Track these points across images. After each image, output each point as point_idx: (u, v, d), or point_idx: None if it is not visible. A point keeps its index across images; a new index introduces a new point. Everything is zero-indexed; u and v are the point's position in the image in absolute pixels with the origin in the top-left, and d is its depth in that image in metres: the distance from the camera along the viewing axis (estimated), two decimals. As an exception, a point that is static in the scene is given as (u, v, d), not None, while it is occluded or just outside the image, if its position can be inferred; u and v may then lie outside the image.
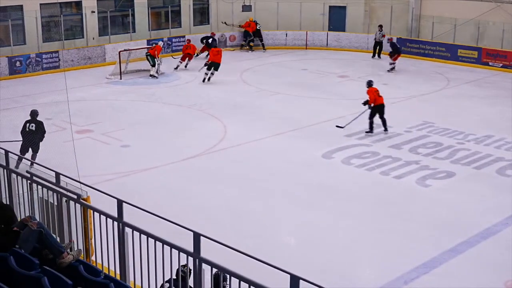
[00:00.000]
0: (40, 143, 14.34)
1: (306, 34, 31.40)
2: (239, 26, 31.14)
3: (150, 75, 24.55)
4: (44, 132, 14.41)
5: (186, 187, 13.79)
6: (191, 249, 5.77)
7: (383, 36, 28.82)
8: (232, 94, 22.16)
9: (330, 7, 31.87)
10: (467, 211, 12.81)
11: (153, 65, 24.53)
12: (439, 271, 10.35)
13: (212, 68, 23.60)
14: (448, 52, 28.13)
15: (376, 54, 28.90)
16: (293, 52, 30.46)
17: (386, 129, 17.72)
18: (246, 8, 30.73)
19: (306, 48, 31.30)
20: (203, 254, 5.72)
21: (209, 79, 23.62)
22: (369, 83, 18.29)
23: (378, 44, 28.96)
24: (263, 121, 18.91)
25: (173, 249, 5.96)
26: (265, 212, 12.71)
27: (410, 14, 30.41)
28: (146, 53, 25.02)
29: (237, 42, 31.08)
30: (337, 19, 31.98)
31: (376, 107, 17.77)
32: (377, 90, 18.07)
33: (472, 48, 27.61)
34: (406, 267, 10.39)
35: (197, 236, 5.71)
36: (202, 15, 31.95)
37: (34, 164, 9.47)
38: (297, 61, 28.39)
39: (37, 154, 14.16)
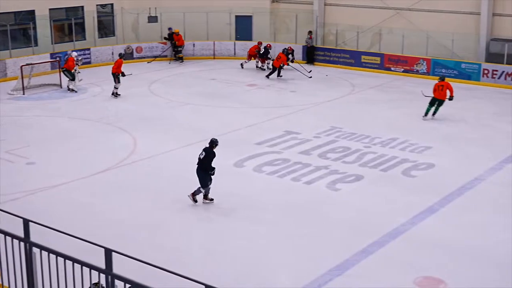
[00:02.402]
0: None
1: (214, 44, 31.47)
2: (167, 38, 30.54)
3: (69, 89, 23.86)
4: None
5: (96, 203, 13.49)
6: (103, 265, 5.65)
7: (310, 38, 29.72)
8: (141, 106, 21.90)
9: (236, 16, 32.10)
10: (376, 212, 13.18)
11: (72, 79, 23.85)
12: (351, 273, 10.59)
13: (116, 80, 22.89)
14: (352, 59, 28.92)
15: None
16: (201, 62, 30.45)
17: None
18: (152, 19, 30.46)
19: (214, 58, 31.37)
20: (117, 270, 5.61)
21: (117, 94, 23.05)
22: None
23: (309, 50, 29.58)
24: (173, 133, 18.79)
25: (84, 267, 5.81)
26: (179, 224, 12.62)
27: (315, 22, 31.07)
28: (62, 68, 24.29)
29: (144, 54, 30.68)
30: (243, 28, 32.26)
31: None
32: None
33: (375, 54, 28.50)
34: (320, 271, 10.56)
35: (108, 252, 5.59)
36: (107, 27, 31.42)
37: None
38: (205, 71, 28.40)
39: None
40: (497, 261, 11.06)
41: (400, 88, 25.12)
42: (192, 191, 13.34)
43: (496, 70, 25.75)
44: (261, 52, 28.27)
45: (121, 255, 5.52)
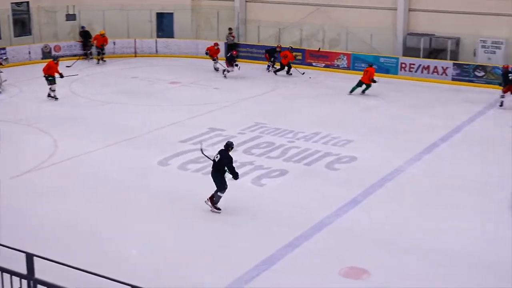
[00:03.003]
0: None
1: (135, 41, 31.09)
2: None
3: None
4: None
5: (16, 207, 13.08)
6: (25, 271, 5.51)
7: (233, 37, 29.66)
8: (62, 106, 21.39)
9: (157, 13, 31.82)
10: (301, 206, 13.36)
11: None
12: (277, 267, 10.70)
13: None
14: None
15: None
16: (122, 60, 30.03)
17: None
18: (70, 17, 29.83)
19: (135, 56, 30.99)
20: (40, 275, 5.48)
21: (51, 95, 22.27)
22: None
23: (230, 47, 29.53)
24: (95, 132, 18.45)
25: (4, 273, 5.65)
26: (105, 225, 12.41)
27: (236, 19, 31.17)
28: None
29: (63, 52, 29.88)
30: (165, 25, 32.03)
31: None
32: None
33: (296, 50, 28.85)
34: (245, 267, 10.61)
35: (29, 257, 5.46)
36: (23, 26, 30.47)
37: None
38: (127, 69, 28.03)
39: None
40: (419, 251, 11.41)
41: (322, 83, 25.55)
42: (210, 196, 12.86)
43: (413, 64, 26.57)
44: (228, 56, 27.01)
45: (45, 260, 5.41)
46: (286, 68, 26.93)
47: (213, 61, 27.51)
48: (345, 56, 27.91)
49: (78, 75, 24.71)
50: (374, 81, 23.01)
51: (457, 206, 13.43)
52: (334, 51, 28.52)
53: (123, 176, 14.98)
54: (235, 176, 12.80)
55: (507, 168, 15.50)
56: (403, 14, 27.71)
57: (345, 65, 27.87)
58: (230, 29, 30.17)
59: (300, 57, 28.52)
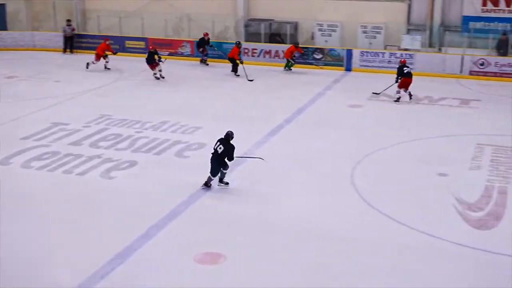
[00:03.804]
0: None
1: (-36, 35, 29.14)
2: None
3: None
4: None
5: None
6: None
7: (73, 30, 28.51)
8: None
9: (-14, 5, 30.04)
10: (153, 195, 13.24)
11: None
12: (133, 259, 10.54)
13: None
14: (117, 44, 28.50)
15: (69, 50, 28.76)
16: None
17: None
18: None
19: (-34, 51, 29.09)
20: None
21: None
22: None
23: (68, 39, 28.39)
24: None
25: None
26: None
27: (75, 10, 30.14)
28: None
29: None
30: (-4, 17, 30.31)
31: None
32: None
33: (139, 39, 28.44)
34: (101, 261, 10.37)
35: None
36: None
37: None
38: (-43, 65, 26.22)
39: None
40: (281, 230, 11.74)
41: (166, 72, 25.34)
42: (219, 178, 13.54)
43: (256, 49, 27.17)
44: (146, 58, 24.70)
45: None
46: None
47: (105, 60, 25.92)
48: (189, 44, 27.93)
49: None
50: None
51: (299, 182, 14.03)
52: (177, 39, 28.44)
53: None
54: (230, 160, 13.42)
55: (345, 145, 16.38)
56: (243, 1, 28.20)
57: (189, 52, 27.91)
58: (68, 20, 29.06)
59: (143, 46, 28.14)
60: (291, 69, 25.70)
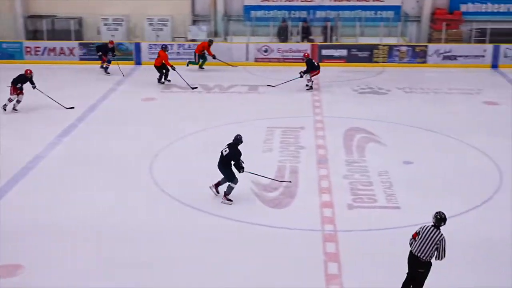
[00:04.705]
0: None
1: None
2: None
3: None
4: None
5: None
6: None
7: None
8: None
9: None
10: None
11: None
12: None
13: None
14: None
15: None
16: None
17: None
18: None
19: None
20: None
21: None
22: None
23: None
24: None
25: None
26: None
27: None
28: None
29: None
30: None
31: None
32: None
33: None
34: None
35: None
36: None
37: None
38: None
39: None
40: (79, 232, 11.37)
41: None
42: (225, 192, 12.57)
43: (39, 47, 25.98)
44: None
45: None
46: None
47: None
48: None
49: None
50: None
51: (98, 181, 13.77)
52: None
53: None
54: (240, 170, 12.39)
55: (141, 139, 16.37)
56: (20, -3, 26.87)
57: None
58: None
59: None
60: (203, 68, 24.64)
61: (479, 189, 13.23)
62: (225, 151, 12.49)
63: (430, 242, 8.65)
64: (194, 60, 24.66)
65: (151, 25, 26.99)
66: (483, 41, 25.71)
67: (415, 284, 9.00)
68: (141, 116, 18.69)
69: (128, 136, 16.72)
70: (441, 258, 8.73)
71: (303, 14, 27.35)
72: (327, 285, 9.67)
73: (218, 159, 12.61)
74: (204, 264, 10.32)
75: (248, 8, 27.36)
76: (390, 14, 27.12)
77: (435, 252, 8.70)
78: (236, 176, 12.50)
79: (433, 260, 8.78)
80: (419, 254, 8.74)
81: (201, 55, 24.47)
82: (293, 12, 27.38)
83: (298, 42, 26.40)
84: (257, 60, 25.74)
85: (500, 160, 14.78)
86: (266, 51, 25.72)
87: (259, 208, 12.50)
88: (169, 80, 22.62)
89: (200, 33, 26.44)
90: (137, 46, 25.90)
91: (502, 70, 24.66)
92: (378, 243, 10.98)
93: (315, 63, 21.67)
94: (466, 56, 25.24)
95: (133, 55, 25.84)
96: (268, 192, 13.17)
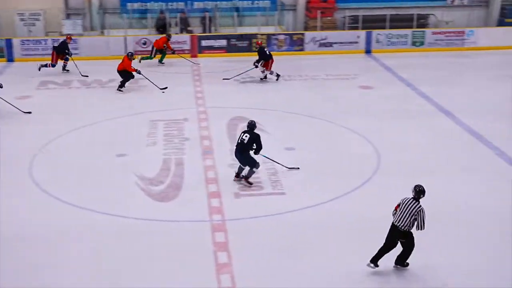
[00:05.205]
0: None
1: None
2: None
3: None
4: None
5: None
6: None
7: None
8: None
9: None
10: None
11: None
12: None
13: None
14: None
15: None
16: None
17: None
18: None
19: None
20: None
21: None
22: None
23: None
24: None
25: None
26: None
27: None
28: None
29: None
30: None
31: None
32: None
33: None
34: None
35: None
36: None
37: None
38: None
39: None
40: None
41: None
42: (245, 176, 12.91)
43: None
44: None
45: None
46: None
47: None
48: None
49: None
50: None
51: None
52: None
53: None
54: (259, 150, 12.72)
55: (19, 139, 15.74)
56: None
57: None
58: None
59: None
60: (163, 63, 24.16)
61: (359, 171, 13.74)
62: (245, 137, 12.71)
63: (409, 213, 9.25)
64: (149, 56, 23.96)
65: (22, 20, 25.91)
66: (356, 28, 26.73)
67: (401, 254, 9.62)
68: (15, 115, 17.86)
69: (3, 135, 16.00)
70: (422, 228, 9.32)
71: (181, 5, 27.24)
72: (218, 274, 9.72)
73: (235, 149, 12.89)
74: (96, 263, 10.09)
75: (124, 0, 26.85)
76: (266, 3, 27.56)
77: (414, 222, 9.30)
78: (256, 160, 12.88)
79: (413, 230, 9.37)
80: (398, 224, 9.35)
81: (160, 50, 23.94)
82: (170, 3, 27.19)
83: (177, 33, 26.19)
84: (136, 53, 25.22)
85: (377, 141, 15.42)
86: (145, 43, 25.35)
87: (146, 202, 12.35)
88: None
89: (76, 27, 25.71)
90: (8, 42, 24.76)
91: (375, 55, 25.76)
92: (266, 229, 11.16)
93: (267, 52, 21.52)
94: (341, 43, 26.14)
95: (4, 52, 24.68)
96: (154, 186, 13.05)
